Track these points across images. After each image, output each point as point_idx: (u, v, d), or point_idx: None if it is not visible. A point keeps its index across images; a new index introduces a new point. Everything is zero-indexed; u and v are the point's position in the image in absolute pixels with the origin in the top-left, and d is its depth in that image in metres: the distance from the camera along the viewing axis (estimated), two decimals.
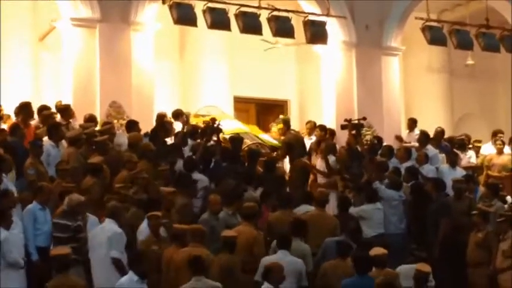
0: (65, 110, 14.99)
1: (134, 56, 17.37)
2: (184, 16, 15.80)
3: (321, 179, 15.33)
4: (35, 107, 14.71)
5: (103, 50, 17.02)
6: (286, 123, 16.91)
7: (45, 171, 12.57)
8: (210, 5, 15.89)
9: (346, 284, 10.44)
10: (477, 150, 17.84)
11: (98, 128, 14.66)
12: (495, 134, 17.97)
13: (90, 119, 15.03)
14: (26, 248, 10.95)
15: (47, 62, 18.59)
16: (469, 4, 21.29)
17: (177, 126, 15.94)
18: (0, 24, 17.43)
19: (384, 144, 16.65)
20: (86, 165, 12.79)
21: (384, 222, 13.39)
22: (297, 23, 17.13)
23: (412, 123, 18.83)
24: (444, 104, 23.11)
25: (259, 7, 16.35)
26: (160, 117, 15.86)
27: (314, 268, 11.32)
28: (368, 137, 18.18)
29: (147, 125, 15.37)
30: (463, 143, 17.48)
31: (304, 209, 12.81)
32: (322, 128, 16.95)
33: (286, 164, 16.18)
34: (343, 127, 16.22)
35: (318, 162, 15.53)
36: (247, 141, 16.35)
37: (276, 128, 17.24)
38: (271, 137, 17.25)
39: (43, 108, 14.93)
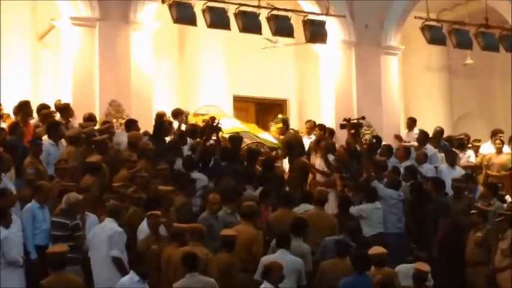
0: (65, 109, 14.97)
1: (133, 55, 17.36)
2: (183, 15, 15.82)
3: (320, 178, 15.33)
4: (34, 106, 14.71)
5: (102, 49, 17.02)
6: (286, 122, 16.87)
7: (44, 170, 12.56)
8: (210, 4, 15.90)
9: (345, 282, 10.44)
10: (476, 149, 17.84)
11: (97, 127, 14.65)
12: (494, 134, 17.93)
13: (90, 118, 15.02)
14: (24, 246, 10.95)
15: (46, 61, 18.57)
16: (468, 4, 21.34)
17: (176, 125, 15.93)
18: (0, 23, 17.44)
19: (383, 143, 16.63)
20: (85, 164, 12.78)
21: (383, 221, 13.40)
22: (296, 22, 17.14)
23: (411, 123, 18.79)
24: (443, 103, 23.11)
25: (258, 6, 16.36)
26: (160, 117, 15.86)
27: (313, 267, 11.31)
28: (367, 136, 18.22)
29: (146, 124, 15.39)
30: (462, 143, 17.47)
31: (304, 208, 12.80)
32: (322, 127, 16.97)
33: (286, 163, 16.19)
34: (342, 126, 16.20)
35: (317, 162, 15.50)
36: (247, 141, 16.33)
37: (275, 127, 17.24)
38: (270, 136, 17.25)
39: (42, 107, 14.92)
